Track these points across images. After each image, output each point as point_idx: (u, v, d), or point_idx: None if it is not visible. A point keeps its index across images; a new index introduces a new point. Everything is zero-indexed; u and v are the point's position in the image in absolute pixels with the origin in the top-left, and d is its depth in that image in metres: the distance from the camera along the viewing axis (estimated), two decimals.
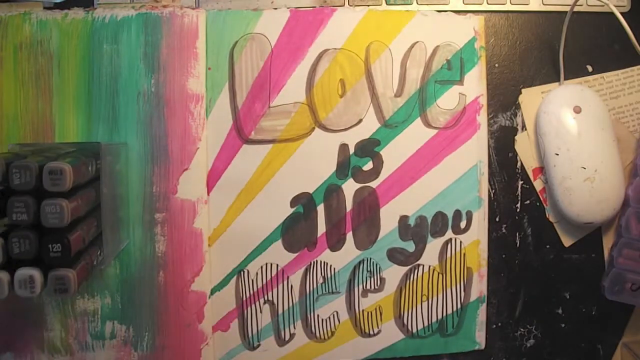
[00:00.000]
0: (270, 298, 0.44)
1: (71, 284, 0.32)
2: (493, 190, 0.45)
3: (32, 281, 0.31)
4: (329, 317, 0.44)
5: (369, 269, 0.44)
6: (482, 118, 0.44)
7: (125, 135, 0.42)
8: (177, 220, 0.42)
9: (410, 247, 0.45)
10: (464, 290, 0.45)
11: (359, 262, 0.44)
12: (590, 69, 0.46)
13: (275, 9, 0.44)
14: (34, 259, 0.32)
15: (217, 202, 0.43)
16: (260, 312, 0.44)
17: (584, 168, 0.42)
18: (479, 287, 0.45)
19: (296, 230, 0.44)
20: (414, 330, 0.45)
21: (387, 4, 0.45)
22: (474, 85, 0.44)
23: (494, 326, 0.46)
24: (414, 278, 0.45)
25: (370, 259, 0.44)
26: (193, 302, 0.43)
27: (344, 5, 0.45)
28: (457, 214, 0.45)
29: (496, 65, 0.46)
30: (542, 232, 0.46)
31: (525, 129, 0.46)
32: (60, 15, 0.42)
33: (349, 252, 0.44)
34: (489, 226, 0.45)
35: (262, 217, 0.43)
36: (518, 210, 0.46)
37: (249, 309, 0.44)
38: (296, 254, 0.44)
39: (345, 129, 0.44)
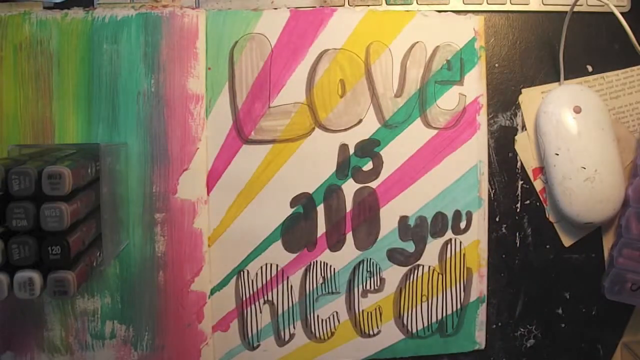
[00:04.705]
0: (270, 298, 0.44)
1: (70, 286, 0.32)
2: (493, 190, 0.45)
3: (32, 283, 0.31)
4: (329, 318, 0.44)
5: (368, 269, 0.44)
6: (482, 118, 0.44)
7: (125, 135, 0.42)
8: (177, 220, 0.42)
9: (410, 247, 0.45)
10: (464, 291, 0.45)
11: (359, 263, 0.44)
12: (590, 69, 0.46)
13: (275, 9, 0.44)
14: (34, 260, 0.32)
15: (217, 202, 0.43)
16: (260, 312, 0.44)
17: (584, 168, 0.42)
18: (479, 287, 0.45)
19: (296, 231, 0.44)
20: (414, 331, 0.45)
21: (387, 4, 0.45)
22: (474, 85, 0.44)
23: (494, 326, 0.46)
24: (413, 278, 0.45)
25: (370, 259, 0.44)
26: (193, 302, 0.43)
27: (344, 5, 0.45)
28: (457, 214, 0.44)
29: (496, 65, 0.46)
30: (542, 232, 0.46)
31: (525, 129, 0.46)
32: (60, 15, 0.42)
33: (349, 252, 0.44)
34: (489, 226, 0.45)
35: (262, 217, 0.43)
36: (518, 210, 0.46)
37: (248, 309, 0.44)
38: (296, 254, 0.44)
39: (345, 129, 0.44)
